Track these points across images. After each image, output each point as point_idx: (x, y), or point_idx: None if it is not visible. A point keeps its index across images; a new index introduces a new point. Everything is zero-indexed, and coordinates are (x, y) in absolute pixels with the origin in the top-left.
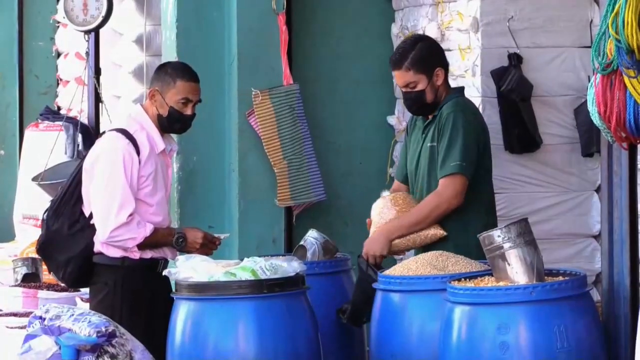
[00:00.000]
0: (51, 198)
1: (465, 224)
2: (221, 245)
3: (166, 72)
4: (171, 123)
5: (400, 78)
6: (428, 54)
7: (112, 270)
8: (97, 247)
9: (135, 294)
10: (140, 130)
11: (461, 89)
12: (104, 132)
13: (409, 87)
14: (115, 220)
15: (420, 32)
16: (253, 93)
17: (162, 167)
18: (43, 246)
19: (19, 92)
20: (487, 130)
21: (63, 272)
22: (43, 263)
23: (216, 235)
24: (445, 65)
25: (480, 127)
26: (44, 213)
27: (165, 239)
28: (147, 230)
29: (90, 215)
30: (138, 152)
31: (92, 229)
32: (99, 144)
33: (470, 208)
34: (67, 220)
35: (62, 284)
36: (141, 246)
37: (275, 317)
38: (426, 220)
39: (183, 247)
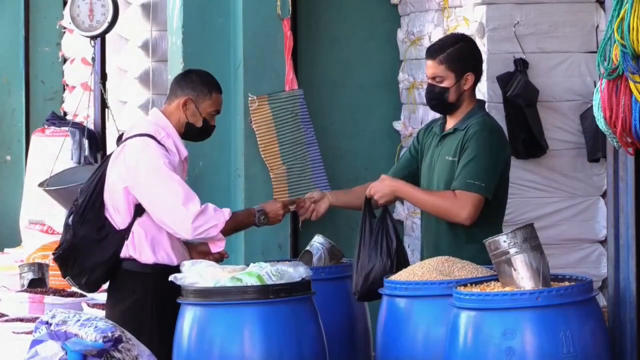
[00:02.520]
0: (57, 203)
1: (469, 242)
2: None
3: (200, 82)
4: (200, 133)
5: (430, 68)
6: (465, 56)
7: (142, 277)
8: (128, 253)
9: (164, 300)
10: (166, 137)
11: (483, 104)
12: (121, 136)
13: (435, 81)
14: (189, 213)
15: (426, 37)
16: (249, 99)
17: (180, 173)
18: (67, 252)
19: (25, 97)
20: (509, 157)
21: (87, 277)
22: (49, 268)
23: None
24: (477, 73)
25: (505, 153)
26: (68, 217)
27: (247, 220)
28: (226, 214)
29: (132, 225)
30: None
31: (119, 235)
32: (130, 149)
33: (467, 236)
34: (94, 225)
35: (69, 290)
36: (224, 232)
37: (281, 323)
38: (429, 209)
39: (266, 222)
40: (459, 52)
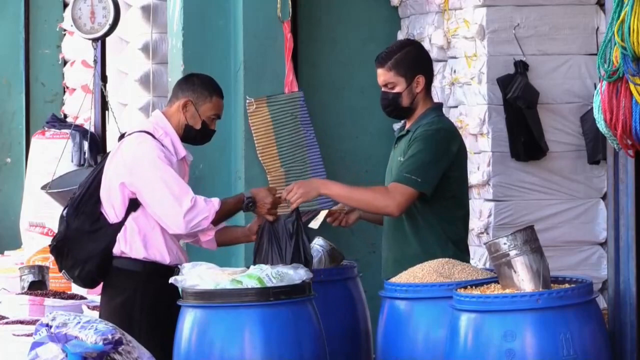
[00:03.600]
0: (60, 206)
1: (421, 245)
2: (227, 254)
3: (201, 85)
4: (199, 136)
5: (380, 76)
6: (413, 59)
7: (133, 275)
8: (121, 249)
9: (155, 300)
10: (165, 136)
11: (439, 106)
12: (124, 134)
13: (387, 87)
14: (181, 209)
15: (427, 39)
16: (247, 101)
17: (181, 174)
18: (61, 243)
19: (25, 99)
20: (460, 155)
21: (80, 269)
22: (50, 270)
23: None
24: (428, 75)
25: (450, 150)
26: (64, 210)
27: (235, 207)
28: (216, 204)
29: (125, 216)
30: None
31: (112, 229)
32: (127, 144)
33: (428, 232)
34: (88, 218)
35: (69, 292)
36: (215, 221)
37: (281, 325)
38: (357, 203)
39: (253, 210)
40: (406, 57)
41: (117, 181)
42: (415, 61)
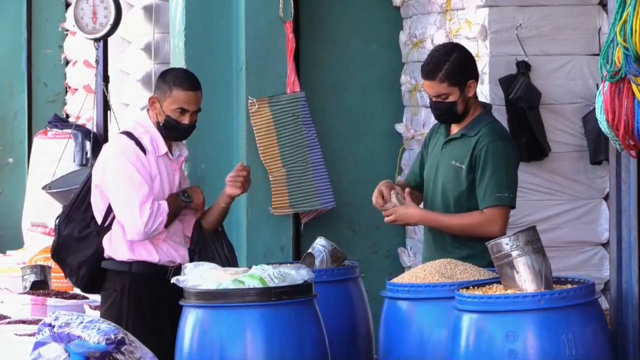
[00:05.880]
0: (61, 206)
1: (469, 248)
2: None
3: (165, 79)
4: (168, 131)
5: (432, 88)
6: (463, 66)
7: (120, 276)
8: (106, 252)
9: (142, 300)
10: (144, 133)
11: (490, 109)
12: None
13: (440, 98)
14: (142, 218)
15: (429, 40)
16: (249, 102)
17: (168, 171)
18: (56, 252)
19: (27, 100)
20: (518, 158)
21: (76, 276)
22: (52, 270)
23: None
24: (477, 77)
25: (517, 157)
26: (56, 219)
27: (176, 203)
28: (165, 207)
29: (109, 220)
30: (144, 152)
31: (100, 234)
32: (104, 147)
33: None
34: (77, 225)
35: (71, 292)
36: (167, 223)
37: (283, 325)
38: (458, 232)
39: (190, 200)
40: (455, 65)
41: (95, 184)
42: (465, 67)
